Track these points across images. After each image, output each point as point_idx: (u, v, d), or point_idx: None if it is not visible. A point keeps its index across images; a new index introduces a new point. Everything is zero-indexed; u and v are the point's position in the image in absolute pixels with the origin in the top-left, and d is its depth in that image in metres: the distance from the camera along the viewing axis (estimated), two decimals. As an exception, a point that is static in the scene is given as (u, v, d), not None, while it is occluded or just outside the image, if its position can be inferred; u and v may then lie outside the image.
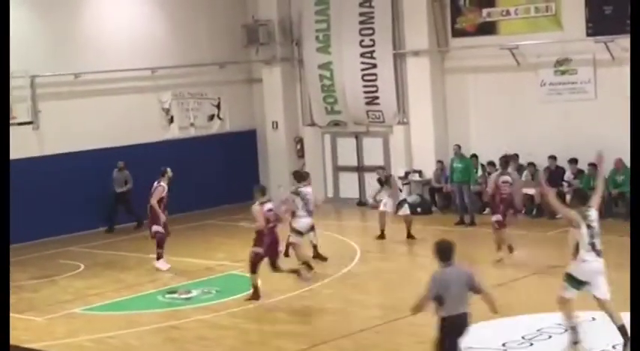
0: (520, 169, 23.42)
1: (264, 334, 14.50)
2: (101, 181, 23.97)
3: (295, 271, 16.49)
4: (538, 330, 13.17)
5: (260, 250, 16.01)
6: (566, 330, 12.38)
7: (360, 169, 26.72)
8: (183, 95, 26.67)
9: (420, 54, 24.92)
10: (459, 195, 22.92)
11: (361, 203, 26.48)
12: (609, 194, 21.50)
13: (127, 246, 22.05)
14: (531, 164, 23.20)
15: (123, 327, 15.08)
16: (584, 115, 22.65)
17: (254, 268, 16.08)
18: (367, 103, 25.94)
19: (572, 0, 22.69)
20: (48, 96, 23.37)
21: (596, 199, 12.17)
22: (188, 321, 15.21)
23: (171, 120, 26.41)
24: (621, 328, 11.63)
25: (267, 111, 27.79)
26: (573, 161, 22.66)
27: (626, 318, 10.91)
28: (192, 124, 26.91)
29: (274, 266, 16.17)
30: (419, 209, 24.31)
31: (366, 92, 25.85)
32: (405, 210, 21.47)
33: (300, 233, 18.44)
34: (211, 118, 27.40)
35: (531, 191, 22.98)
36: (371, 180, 25.11)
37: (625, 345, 11.58)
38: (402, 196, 21.94)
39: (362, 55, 25.69)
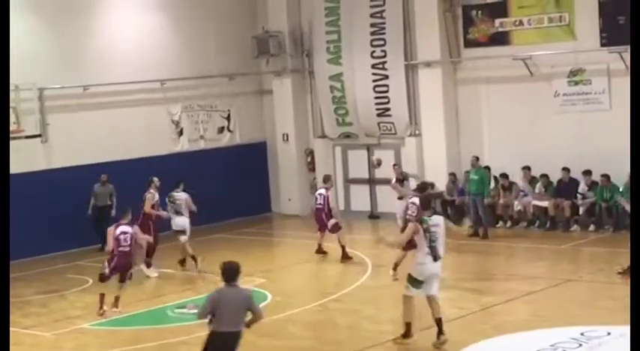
0: (533, 181, 23.40)
1: (275, 349, 14.48)
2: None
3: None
4: (552, 345, 13.14)
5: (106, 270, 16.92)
6: (580, 345, 12.35)
7: (372, 181, 26.70)
8: (193, 107, 26.73)
9: (432, 65, 24.94)
10: (473, 207, 22.87)
11: (373, 216, 26.46)
12: (622, 208, 21.41)
13: (135, 261, 22.02)
14: (544, 176, 23.16)
15: (132, 343, 15.08)
16: (599, 126, 22.61)
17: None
18: (379, 115, 25.95)
19: (586, 10, 22.68)
20: (56, 109, 23.46)
21: None
22: (198, 336, 15.16)
23: (181, 132, 26.45)
24: (438, 321, 13.53)
25: (278, 123, 27.84)
26: (587, 173, 22.60)
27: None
28: (202, 137, 26.95)
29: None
30: (431, 222, 24.23)
31: (377, 104, 25.87)
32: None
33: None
34: (221, 130, 27.45)
35: (544, 204, 22.95)
36: (382, 193, 25.17)
37: (439, 334, 13.48)
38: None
39: (373, 66, 25.72)
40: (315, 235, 21.15)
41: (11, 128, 19.84)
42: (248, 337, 14.81)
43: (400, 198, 21.85)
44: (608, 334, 12.80)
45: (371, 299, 17.17)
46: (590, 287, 17.28)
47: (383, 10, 25.39)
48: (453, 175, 24.62)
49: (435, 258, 13.43)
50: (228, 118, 27.56)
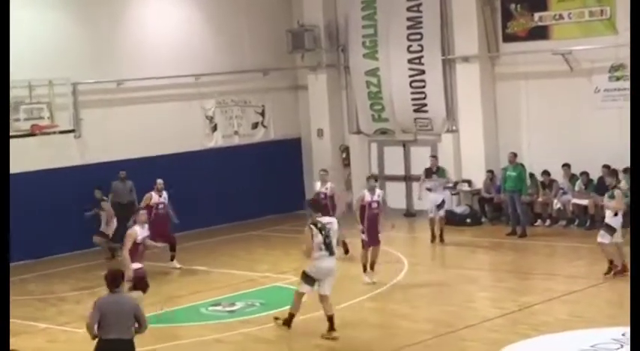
0: (572, 178, 23.30)
1: (309, 348, 14.54)
2: (142, 191, 24.11)
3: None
4: (592, 345, 13.11)
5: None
6: (621, 346, 12.33)
7: (408, 178, 26.72)
8: (227, 103, 26.84)
9: (470, 60, 24.90)
10: (510, 205, 22.82)
11: (409, 214, 26.48)
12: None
13: (166, 257, 22.13)
14: (584, 173, 23.05)
15: (166, 340, 15.19)
16: (640, 123, 22.44)
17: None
18: (415, 111, 25.95)
19: (628, 3, 22.47)
20: (90, 104, 23.62)
21: None
22: (232, 334, 15.30)
23: (215, 128, 26.55)
24: (330, 318, 14.64)
25: (313, 119, 27.90)
26: (628, 171, 22.45)
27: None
28: (236, 133, 27.05)
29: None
30: (468, 220, 24.29)
31: (414, 99, 25.87)
32: (442, 212, 22.33)
33: None
34: (255, 126, 27.54)
35: (584, 202, 22.85)
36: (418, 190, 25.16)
37: (330, 329, 14.54)
38: (443, 196, 22.56)
39: (410, 61, 25.72)
40: (350, 233, 20.82)
41: (45, 123, 20.07)
42: (282, 335, 14.99)
43: (429, 189, 22.51)
44: (623, 335, 12.75)
45: (406, 298, 17.19)
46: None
47: (420, 4, 25.37)
48: (490, 172, 24.57)
49: (331, 253, 14.59)
50: (262, 114, 27.65)
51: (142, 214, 16.22)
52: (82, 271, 21.08)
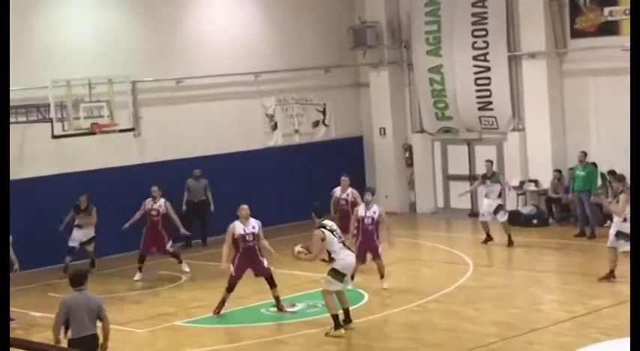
0: None
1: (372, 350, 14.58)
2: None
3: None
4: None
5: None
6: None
7: (473, 178, 26.56)
8: (288, 101, 26.94)
9: (537, 56, 24.73)
10: (579, 205, 22.62)
11: (473, 214, 26.33)
12: None
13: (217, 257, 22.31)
14: (657, 173, 22.73)
15: (226, 341, 15.33)
16: None
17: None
18: (480, 109, 25.83)
19: (702, -3, 22.23)
20: (149, 102, 23.87)
21: None
22: (294, 335, 15.36)
23: (275, 126, 26.65)
24: (347, 310, 15.37)
25: (375, 117, 27.89)
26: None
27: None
28: (296, 131, 27.14)
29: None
30: (535, 221, 24.13)
31: (478, 97, 25.74)
32: (502, 217, 22.04)
33: None
34: (316, 124, 27.61)
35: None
36: (483, 191, 25.02)
37: (347, 321, 15.21)
38: (500, 201, 22.34)
39: (475, 57, 25.60)
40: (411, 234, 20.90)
41: (105, 122, 20.26)
42: (344, 337, 15.01)
43: (486, 196, 22.35)
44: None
45: (472, 300, 17.10)
46: None
47: (485, -1, 25.29)
48: (558, 171, 24.38)
49: (351, 250, 15.69)
50: (323, 112, 27.70)
51: (243, 209, 16.60)
52: (143, 270, 21.17)
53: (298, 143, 27.09)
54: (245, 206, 16.72)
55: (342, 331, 15.03)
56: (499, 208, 22.16)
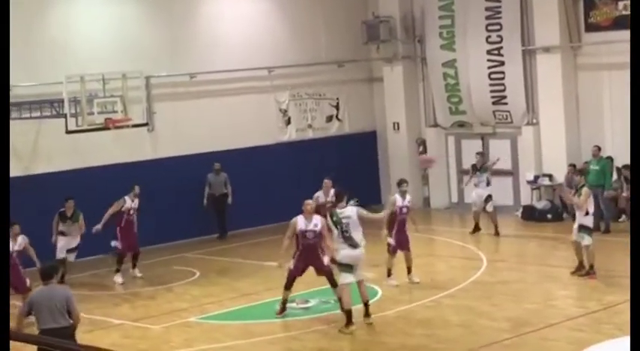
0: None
1: (384, 347, 14.55)
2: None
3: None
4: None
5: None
6: None
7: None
8: (301, 95, 26.92)
9: (551, 50, 24.65)
10: (593, 200, 22.52)
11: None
12: None
13: (242, 253, 22.33)
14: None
15: (240, 337, 15.33)
16: None
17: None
18: (494, 103, 25.77)
19: None
20: (163, 97, 23.90)
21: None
22: (307, 331, 15.37)
23: (289, 121, 26.64)
24: (366, 303, 15.38)
25: (388, 111, 27.85)
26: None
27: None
28: (310, 126, 27.12)
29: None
30: (549, 216, 24.07)
31: (492, 91, 25.68)
32: (490, 207, 22.61)
33: None
34: (330, 119, 27.59)
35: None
36: (496, 184, 24.98)
37: (366, 315, 15.34)
38: (489, 191, 22.76)
39: (488, 52, 25.53)
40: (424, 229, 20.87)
41: (119, 117, 20.29)
42: (357, 333, 15.01)
43: (476, 185, 22.99)
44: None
45: (486, 295, 17.08)
46: None
47: (499, -7, 25.22)
48: (572, 166, 24.28)
49: (354, 246, 15.08)
50: (337, 107, 27.68)
51: (308, 204, 16.01)
52: (154, 266, 21.30)
53: (312, 138, 27.07)
54: (310, 201, 16.23)
55: (353, 327, 15.00)
56: (489, 198, 22.59)
